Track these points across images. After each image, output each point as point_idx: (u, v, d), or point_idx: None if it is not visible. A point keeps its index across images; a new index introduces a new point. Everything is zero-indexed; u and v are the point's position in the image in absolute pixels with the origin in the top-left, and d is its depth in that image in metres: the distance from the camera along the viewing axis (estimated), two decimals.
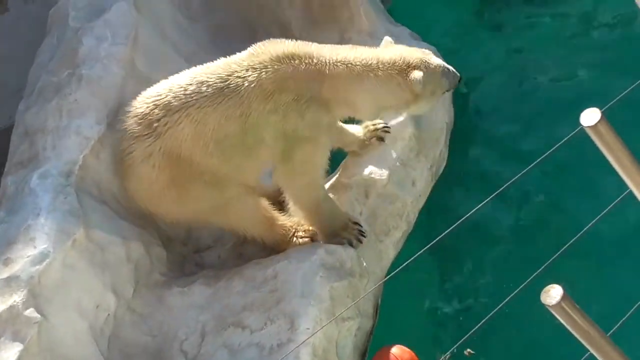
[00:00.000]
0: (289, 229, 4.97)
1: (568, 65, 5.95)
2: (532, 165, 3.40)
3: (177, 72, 4.99)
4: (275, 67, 4.55)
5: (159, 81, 5.15)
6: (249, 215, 4.88)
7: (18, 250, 4.52)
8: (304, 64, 4.57)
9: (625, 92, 3.59)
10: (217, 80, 4.58)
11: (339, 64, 4.59)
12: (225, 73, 4.60)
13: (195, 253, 5.23)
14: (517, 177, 3.42)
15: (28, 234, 4.59)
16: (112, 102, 5.10)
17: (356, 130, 5.06)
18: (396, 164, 4.91)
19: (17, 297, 4.35)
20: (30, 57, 5.69)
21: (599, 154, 3.00)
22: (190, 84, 4.61)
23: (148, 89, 4.76)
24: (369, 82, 4.60)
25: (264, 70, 4.55)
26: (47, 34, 5.66)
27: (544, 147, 3.30)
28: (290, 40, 4.70)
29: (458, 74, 4.83)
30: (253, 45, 4.67)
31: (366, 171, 4.92)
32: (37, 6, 6.44)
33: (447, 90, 4.84)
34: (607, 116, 2.91)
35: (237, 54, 4.70)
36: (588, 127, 2.96)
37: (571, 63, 5.98)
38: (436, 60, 4.74)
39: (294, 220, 4.97)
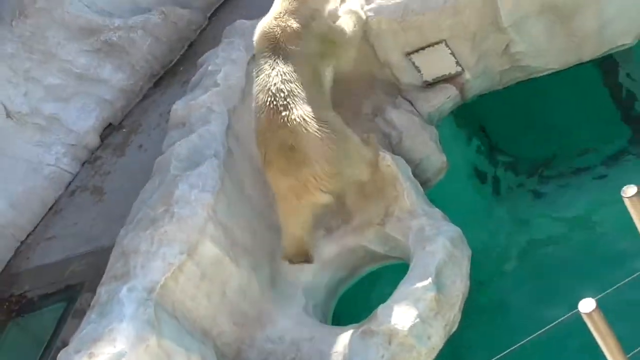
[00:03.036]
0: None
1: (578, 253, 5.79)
2: (524, 340, 3.37)
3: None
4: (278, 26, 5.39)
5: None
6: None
7: (101, 347, 4.59)
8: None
9: (620, 284, 3.56)
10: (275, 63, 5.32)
11: None
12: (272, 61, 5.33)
13: None
14: (507, 351, 3.38)
15: (111, 335, 4.65)
16: (193, 238, 5.15)
17: None
18: (417, 319, 4.86)
19: None
20: (136, 193, 5.83)
21: None
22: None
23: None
24: None
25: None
26: (152, 176, 5.82)
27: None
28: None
29: None
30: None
31: (392, 322, 4.87)
32: (148, 154, 6.68)
33: None
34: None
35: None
36: (584, 313, 2.99)
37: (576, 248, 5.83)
38: None
39: None
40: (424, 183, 5.80)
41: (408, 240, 5.36)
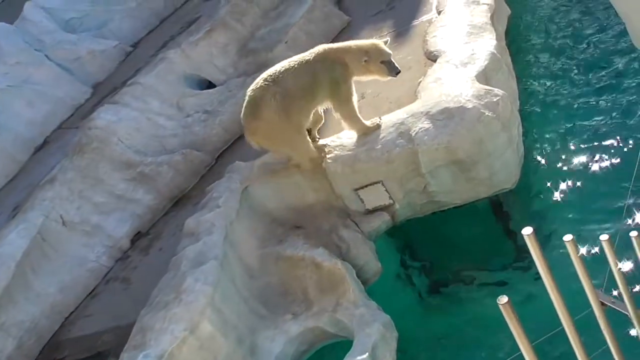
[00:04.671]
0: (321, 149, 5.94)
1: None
2: None
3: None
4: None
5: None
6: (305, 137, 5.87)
7: None
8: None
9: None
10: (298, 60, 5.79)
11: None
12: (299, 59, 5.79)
13: None
14: None
15: None
16: (196, 319, 5.12)
17: None
18: None
19: None
20: (155, 283, 5.76)
21: None
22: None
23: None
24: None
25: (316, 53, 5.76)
26: (168, 271, 5.76)
27: None
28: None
29: (397, 69, 5.74)
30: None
31: None
32: (166, 255, 6.55)
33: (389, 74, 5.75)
34: None
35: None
36: None
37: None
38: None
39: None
40: (364, 282, 5.76)
41: (352, 324, 5.34)
